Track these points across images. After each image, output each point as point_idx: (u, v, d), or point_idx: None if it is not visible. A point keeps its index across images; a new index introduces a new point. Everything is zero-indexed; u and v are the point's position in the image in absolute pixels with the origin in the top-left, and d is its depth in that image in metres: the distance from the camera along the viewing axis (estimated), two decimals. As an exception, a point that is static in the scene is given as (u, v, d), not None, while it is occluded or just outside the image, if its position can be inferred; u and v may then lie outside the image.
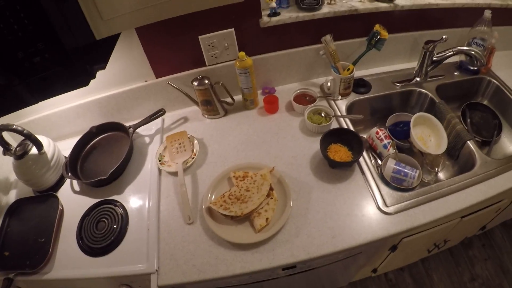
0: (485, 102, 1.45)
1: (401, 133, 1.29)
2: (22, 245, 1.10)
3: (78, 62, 0.80)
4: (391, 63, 1.48)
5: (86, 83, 0.84)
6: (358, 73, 1.41)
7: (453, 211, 1.02)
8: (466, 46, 1.35)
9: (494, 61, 1.43)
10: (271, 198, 1.06)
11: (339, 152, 1.15)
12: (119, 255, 1.04)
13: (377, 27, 1.25)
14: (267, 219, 1.01)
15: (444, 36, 1.23)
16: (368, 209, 1.03)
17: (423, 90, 1.37)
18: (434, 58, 1.32)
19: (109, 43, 0.98)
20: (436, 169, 1.24)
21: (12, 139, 1.31)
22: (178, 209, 1.12)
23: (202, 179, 1.19)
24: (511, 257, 1.90)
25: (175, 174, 1.19)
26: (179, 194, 1.14)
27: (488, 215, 1.40)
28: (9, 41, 0.68)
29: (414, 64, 1.39)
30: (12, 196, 1.27)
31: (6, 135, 1.15)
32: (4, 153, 1.17)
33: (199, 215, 1.08)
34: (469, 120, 1.36)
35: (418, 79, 1.39)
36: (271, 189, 1.07)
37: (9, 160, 1.20)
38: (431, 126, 1.25)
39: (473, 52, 1.23)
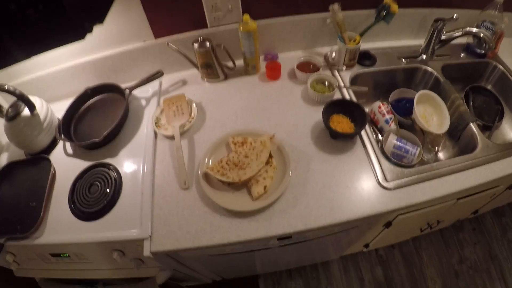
0: (489, 87, 1.41)
1: (403, 109, 1.25)
2: (13, 209, 1.06)
3: (74, 15, 0.74)
4: (398, 38, 1.42)
5: (82, 37, 0.77)
6: (364, 46, 1.35)
7: (452, 192, 0.99)
8: (475, 28, 1.30)
9: (501, 47, 1.38)
10: (270, 166, 1.02)
11: (341, 123, 1.11)
12: (112, 219, 1.00)
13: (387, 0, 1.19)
14: (265, 187, 0.97)
15: (455, 15, 1.18)
16: (368, 183, 1.00)
17: (429, 68, 1.33)
18: (442, 37, 1.27)
19: None
20: (437, 148, 1.21)
21: (4, 100, 1.24)
22: (173, 173, 1.07)
23: (199, 144, 1.14)
24: (499, 243, 1.91)
25: (171, 137, 1.14)
26: (175, 158, 1.09)
27: (483, 199, 1.39)
28: None
29: (421, 41, 1.34)
30: (3, 159, 1.22)
31: (-4, 95, 1.09)
32: None
33: (195, 180, 1.04)
34: (471, 103, 1.32)
35: (424, 56, 1.34)
36: (270, 156, 1.03)
37: (0, 122, 1.14)
38: (434, 105, 1.21)
39: (482, 35, 1.18)
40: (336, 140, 1.10)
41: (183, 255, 1.06)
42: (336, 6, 1.18)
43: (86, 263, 1.09)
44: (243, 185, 1.01)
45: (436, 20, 1.24)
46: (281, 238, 0.99)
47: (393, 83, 1.37)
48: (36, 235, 1.00)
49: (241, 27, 1.16)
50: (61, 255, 1.05)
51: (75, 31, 0.75)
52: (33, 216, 1.02)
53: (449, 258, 1.84)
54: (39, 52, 0.77)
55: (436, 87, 1.30)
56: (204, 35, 1.24)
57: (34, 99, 1.15)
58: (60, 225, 1.02)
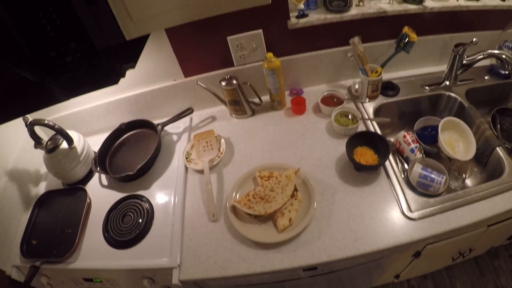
0: None
1: (428, 137, 1.25)
2: (50, 235, 1.13)
3: (108, 61, 0.81)
4: (420, 66, 1.43)
5: (115, 82, 0.85)
6: (386, 76, 1.38)
7: (479, 219, 0.96)
8: (497, 49, 1.28)
9: (526, 65, 1.35)
10: (295, 199, 1.04)
11: (365, 155, 1.12)
12: (143, 248, 1.05)
13: (406, 29, 1.20)
14: (290, 219, 0.99)
15: (474, 39, 1.17)
16: (392, 214, 1.00)
17: (452, 94, 1.31)
18: (464, 62, 1.26)
19: (139, 43, 0.99)
20: (464, 175, 1.18)
21: (44, 133, 1.34)
22: (202, 206, 1.11)
23: (227, 178, 1.18)
24: (537, 270, 1.79)
25: (201, 172, 1.19)
26: (204, 192, 1.14)
27: None
28: (42, 41, 0.70)
29: (443, 68, 1.34)
30: (42, 188, 1.31)
31: (38, 129, 1.18)
32: (36, 147, 1.20)
33: (223, 213, 1.08)
34: (499, 126, 1.28)
35: (447, 82, 1.33)
36: (295, 190, 1.05)
37: (40, 153, 1.23)
38: (459, 131, 1.19)
39: (504, 56, 1.17)
40: (360, 172, 1.11)
41: (210, 284, 1.08)
42: (356, 39, 1.21)
43: (116, 289, 1.13)
44: (269, 218, 1.03)
45: (457, 45, 1.24)
46: (306, 269, 1.00)
47: (418, 112, 1.37)
48: (71, 260, 1.06)
49: (266, 65, 1.22)
50: (94, 280, 1.10)
51: (109, 76, 0.82)
52: (68, 242, 1.08)
53: (484, 287, 1.75)
54: (77, 95, 0.85)
55: (461, 113, 1.29)
56: (231, 73, 1.30)
57: (72, 133, 1.24)
58: (93, 251, 1.07)
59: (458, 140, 1.20)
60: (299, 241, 0.98)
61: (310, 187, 1.06)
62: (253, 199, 1.03)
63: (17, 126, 1.16)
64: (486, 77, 1.37)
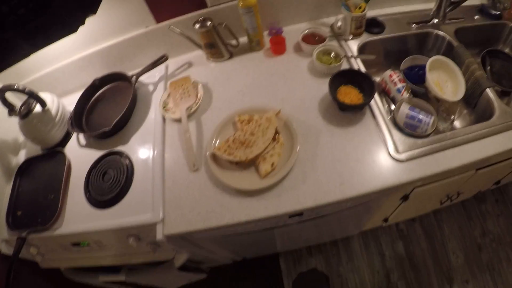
0: (506, 50, 1.30)
1: (416, 77, 1.18)
2: (33, 203, 1.10)
3: (63, 9, 0.73)
4: (408, 2, 1.33)
5: (74, 30, 0.77)
6: (371, 13, 1.29)
7: (469, 162, 0.93)
8: (490, -13, 1.20)
9: (519, 6, 1.26)
10: (277, 142, 0.99)
11: (349, 94, 1.06)
12: (125, 206, 1.02)
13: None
14: (272, 164, 0.95)
15: None
16: (379, 155, 0.95)
17: (441, 33, 1.23)
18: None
19: None
20: (452, 116, 1.14)
21: (17, 99, 1.26)
22: (182, 156, 1.07)
23: (206, 125, 1.12)
24: (524, 215, 1.81)
25: (179, 121, 1.13)
26: (183, 141, 1.08)
27: (504, 169, 1.31)
28: None
29: (432, 5, 1.25)
30: (21, 156, 1.25)
31: (10, 96, 1.11)
32: (10, 114, 1.13)
33: (204, 161, 1.03)
34: (489, 67, 1.22)
35: (435, 20, 1.25)
36: (277, 132, 1.00)
37: (15, 121, 1.16)
38: (448, 71, 1.13)
39: (496, -6, 1.09)
40: (344, 112, 1.06)
41: (197, 236, 1.05)
42: (338, -27, 1.12)
43: (105, 250, 1.10)
44: (251, 164, 0.98)
45: (445, -19, 1.15)
46: (292, 215, 0.97)
47: (405, 51, 1.29)
48: (56, 226, 1.03)
49: (241, 3, 1.12)
50: (81, 243, 1.07)
51: (65, 25, 0.74)
52: (52, 208, 1.05)
53: (472, 230, 1.77)
54: (36, 50, 0.77)
55: (449, 52, 1.22)
56: (205, 15, 1.20)
57: (45, 95, 1.17)
58: (77, 214, 1.04)
59: (446, 80, 1.14)
60: (283, 187, 0.94)
61: (292, 129, 1.01)
62: (233, 145, 0.98)
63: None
64: (476, 17, 1.28)
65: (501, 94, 1.17)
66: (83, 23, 0.81)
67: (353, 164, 0.95)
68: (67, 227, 1.03)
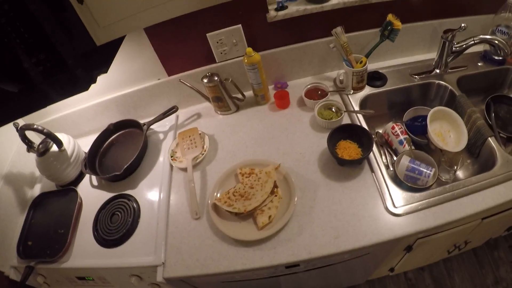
0: None
1: (419, 128, 1.21)
2: (44, 235, 1.17)
3: (78, 69, 0.82)
4: (410, 54, 1.38)
5: (86, 89, 0.86)
6: (374, 66, 1.34)
7: (468, 214, 0.93)
8: (490, 34, 1.22)
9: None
10: (275, 196, 1.03)
11: (348, 149, 1.10)
12: (130, 247, 1.07)
13: (389, 17, 1.16)
14: (269, 216, 0.99)
15: (462, 24, 1.12)
16: (376, 209, 0.98)
17: (442, 82, 1.27)
18: (454, 48, 1.21)
19: (111, 49, 1.00)
20: (455, 167, 1.14)
21: (38, 137, 1.36)
22: (186, 204, 1.13)
23: (210, 175, 1.19)
24: (539, 260, 1.73)
25: (185, 170, 1.19)
26: (188, 190, 1.14)
27: None
28: (15, 53, 0.72)
29: (434, 55, 1.29)
30: (37, 190, 1.35)
31: (29, 133, 1.21)
32: (28, 150, 1.23)
33: (206, 210, 1.08)
34: (493, 114, 1.23)
35: (438, 70, 1.29)
36: (275, 186, 1.04)
37: (34, 156, 1.25)
38: (450, 121, 1.15)
39: (496, 41, 1.11)
40: (343, 167, 1.09)
41: (195, 280, 1.10)
42: (338, 30, 1.18)
43: (109, 286, 1.17)
44: (250, 215, 1.03)
45: (445, 32, 1.19)
46: (289, 266, 0.99)
47: (408, 102, 1.33)
48: (63, 259, 1.10)
49: (246, 60, 1.20)
50: (86, 278, 1.14)
51: (79, 84, 0.83)
52: (61, 242, 1.11)
53: (483, 279, 1.71)
54: (53, 103, 0.87)
55: (452, 101, 1.24)
56: (214, 70, 1.30)
57: (61, 136, 1.27)
58: (84, 250, 1.11)
59: (449, 131, 1.16)
60: (279, 238, 0.97)
61: (290, 183, 1.06)
62: (233, 197, 1.03)
63: (11, 131, 1.19)
64: (479, 64, 1.31)
65: (507, 141, 1.18)
66: (95, 81, 0.90)
67: (349, 218, 0.97)
68: (73, 261, 1.09)
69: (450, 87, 1.25)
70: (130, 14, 0.80)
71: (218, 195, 1.09)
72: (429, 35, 1.32)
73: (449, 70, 1.28)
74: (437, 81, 1.28)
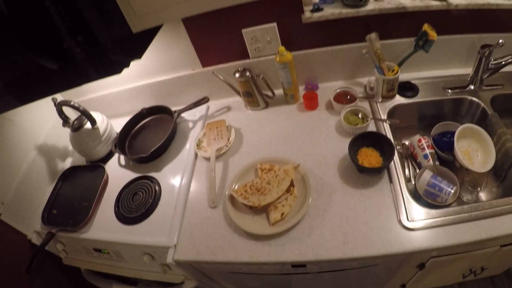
0: None
1: (446, 144, 1.18)
2: (69, 206, 1.26)
3: (111, 53, 0.88)
4: (445, 67, 1.34)
5: (118, 72, 0.91)
6: (407, 76, 1.32)
7: (483, 238, 0.90)
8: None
9: None
10: (291, 194, 1.05)
11: (369, 157, 1.09)
12: (147, 226, 1.13)
13: (425, 27, 1.13)
14: (282, 214, 1.01)
15: (500, 41, 1.08)
16: (388, 221, 0.97)
17: (475, 99, 1.23)
18: (491, 65, 1.17)
19: (146, 37, 1.06)
20: (478, 188, 1.10)
21: (74, 113, 1.45)
22: (205, 192, 1.17)
23: (232, 167, 1.23)
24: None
25: (209, 159, 1.24)
26: (208, 179, 1.19)
27: None
28: (56, 35, 0.79)
29: (470, 70, 1.24)
30: (68, 163, 1.45)
31: (66, 109, 1.30)
32: (63, 125, 1.33)
33: (222, 201, 1.12)
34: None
35: (472, 87, 1.24)
36: (292, 185, 1.06)
37: (68, 131, 1.35)
38: (479, 140, 1.12)
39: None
40: (362, 174, 1.09)
41: (204, 267, 1.14)
42: (373, 36, 1.17)
43: (122, 261, 1.23)
44: (264, 210, 1.05)
45: (483, 47, 1.15)
46: (295, 265, 1.01)
47: (438, 116, 1.29)
48: (83, 230, 1.18)
49: (277, 58, 1.22)
50: (102, 251, 1.21)
51: (113, 67, 0.89)
52: (83, 214, 1.20)
53: (498, 309, 1.64)
54: (88, 82, 0.94)
55: (483, 120, 1.20)
56: (247, 65, 1.33)
57: (96, 114, 1.35)
58: (104, 224, 1.19)
59: (477, 150, 1.13)
60: (289, 237, 0.99)
61: (308, 183, 1.07)
62: (250, 190, 1.06)
63: (49, 106, 1.28)
64: (517, 83, 1.25)
65: None
66: (128, 66, 0.95)
67: (360, 226, 0.97)
68: (92, 233, 1.17)
69: (482, 104, 1.21)
70: (166, 5, 0.84)
71: (236, 187, 1.12)
72: (466, 49, 1.28)
73: (484, 87, 1.24)
74: (469, 97, 1.24)
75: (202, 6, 0.85)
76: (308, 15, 1.18)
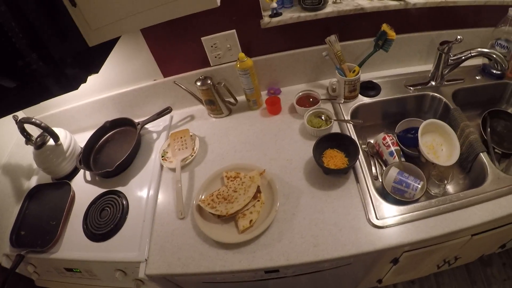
0: (510, 110, 1.27)
1: (411, 140, 1.20)
2: (36, 226, 1.21)
3: (67, 69, 0.86)
4: (406, 65, 1.38)
5: (75, 88, 0.90)
6: (368, 75, 1.35)
7: (451, 231, 0.92)
8: (489, 48, 1.20)
9: (520, 65, 1.26)
10: (258, 201, 1.05)
11: (335, 158, 1.10)
12: (116, 242, 1.10)
13: (384, 26, 1.16)
14: (250, 221, 1.00)
15: (458, 37, 1.12)
16: (357, 221, 0.98)
17: (437, 95, 1.26)
18: (450, 61, 1.20)
19: (103, 50, 1.04)
20: (445, 181, 1.12)
21: (36, 130, 1.39)
22: (173, 203, 1.15)
23: (198, 177, 1.21)
24: (533, 279, 1.68)
25: (174, 170, 1.22)
26: (175, 190, 1.17)
27: (507, 233, 1.25)
28: (10, 52, 0.76)
29: (430, 67, 1.28)
30: (33, 182, 1.40)
31: (29, 127, 1.26)
32: (26, 143, 1.28)
33: (190, 211, 1.10)
34: (489, 129, 1.21)
35: (433, 82, 1.28)
36: (258, 191, 1.06)
37: (31, 149, 1.30)
38: (443, 134, 1.15)
39: (494, 55, 1.10)
40: (328, 175, 1.10)
41: (178, 279, 1.12)
42: (332, 38, 1.19)
43: (95, 279, 1.20)
44: (232, 218, 1.04)
45: (442, 43, 1.18)
46: (268, 271, 1.01)
47: (402, 113, 1.32)
48: (53, 250, 1.13)
49: (238, 65, 1.22)
50: (74, 270, 1.17)
51: (69, 84, 0.87)
52: (52, 233, 1.15)
53: (475, 296, 1.68)
54: (44, 100, 0.92)
55: (446, 114, 1.23)
56: (209, 73, 1.32)
57: (59, 130, 1.31)
58: (73, 243, 1.14)
59: (441, 144, 1.15)
60: (259, 243, 0.99)
61: (274, 189, 1.07)
62: (217, 199, 1.05)
63: (11, 123, 1.24)
64: (477, 77, 1.29)
65: (502, 156, 1.17)
66: (85, 81, 0.94)
67: (330, 228, 0.98)
68: (62, 252, 1.13)
69: (444, 99, 1.24)
70: (121, 17, 0.83)
71: (203, 197, 1.11)
72: (426, 46, 1.31)
73: (445, 83, 1.27)
74: (431, 93, 1.27)
75: (158, 16, 0.84)
76: (266, 20, 1.18)
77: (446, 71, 1.24)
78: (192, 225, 1.07)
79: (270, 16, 1.18)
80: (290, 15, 1.17)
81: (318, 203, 1.04)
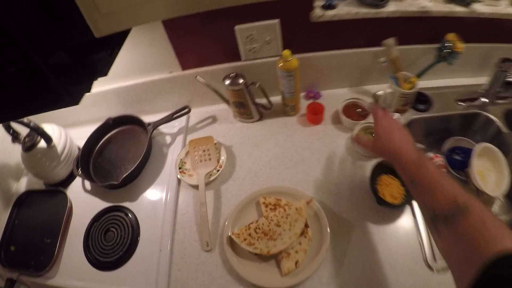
0: None
1: (458, 162, 1.00)
2: (28, 242, 0.95)
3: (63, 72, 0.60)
4: (456, 76, 1.13)
5: (76, 102, 0.63)
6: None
7: None
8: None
9: None
10: (305, 237, 0.81)
11: (390, 186, 0.87)
12: (127, 273, 0.85)
13: (451, 36, 0.91)
14: (296, 262, 0.77)
15: None
16: (414, 262, 0.77)
17: (490, 116, 1.04)
18: (508, 79, 0.99)
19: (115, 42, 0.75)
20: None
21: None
22: (195, 230, 0.89)
23: (226, 197, 0.94)
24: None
25: (196, 187, 0.94)
26: (198, 213, 0.91)
27: None
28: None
29: (479, 80, 1.06)
30: (23, 184, 1.10)
31: (15, 124, 0.96)
32: (13, 141, 0.97)
33: (219, 242, 0.85)
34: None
35: (485, 99, 1.05)
36: (306, 226, 0.82)
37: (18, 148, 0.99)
38: (493, 161, 0.94)
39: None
40: (381, 206, 0.87)
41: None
42: (391, 41, 0.93)
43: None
44: (273, 256, 0.81)
45: (504, 60, 0.95)
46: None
47: (447, 130, 1.09)
48: (49, 275, 0.88)
49: (281, 64, 0.92)
50: (74, 300, 0.91)
51: (62, 98, 0.59)
52: (47, 253, 0.90)
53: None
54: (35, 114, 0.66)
55: (496, 137, 1.03)
56: (237, 69, 1.01)
57: (52, 127, 1.01)
58: (73, 268, 0.89)
59: (490, 170, 0.96)
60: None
61: (323, 222, 0.83)
62: (255, 234, 0.80)
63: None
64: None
65: None
66: (88, 91, 0.66)
67: (385, 271, 0.77)
68: (60, 279, 0.87)
69: (497, 121, 1.02)
70: (143, 2, 0.53)
71: (236, 228, 0.85)
72: (479, 58, 1.07)
73: (497, 101, 1.05)
74: (484, 113, 1.04)
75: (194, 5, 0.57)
76: (319, 12, 0.88)
77: (501, 89, 1.02)
78: (222, 259, 0.83)
79: (323, 8, 0.89)
80: (348, 9, 0.88)
81: (371, 239, 0.82)
